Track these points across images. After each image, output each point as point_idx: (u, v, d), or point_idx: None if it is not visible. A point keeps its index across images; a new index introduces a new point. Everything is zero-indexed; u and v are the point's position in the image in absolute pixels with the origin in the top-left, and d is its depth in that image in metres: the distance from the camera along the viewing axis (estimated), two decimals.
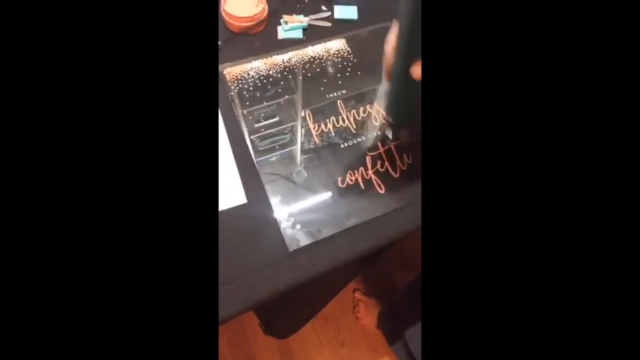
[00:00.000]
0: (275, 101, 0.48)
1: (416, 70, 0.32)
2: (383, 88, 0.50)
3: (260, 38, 0.52)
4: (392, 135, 0.46)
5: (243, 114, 0.47)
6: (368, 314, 0.90)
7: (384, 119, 0.48)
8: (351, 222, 0.41)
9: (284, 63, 0.51)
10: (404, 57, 0.33)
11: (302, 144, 0.46)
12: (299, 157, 0.45)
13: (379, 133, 0.47)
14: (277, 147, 0.45)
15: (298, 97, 0.49)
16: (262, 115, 0.47)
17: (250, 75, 0.49)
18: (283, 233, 0.40)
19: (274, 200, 0.42)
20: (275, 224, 0.41)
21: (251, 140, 0.45)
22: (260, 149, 0.45)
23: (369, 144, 0.46)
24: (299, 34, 0.53)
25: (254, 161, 0.44)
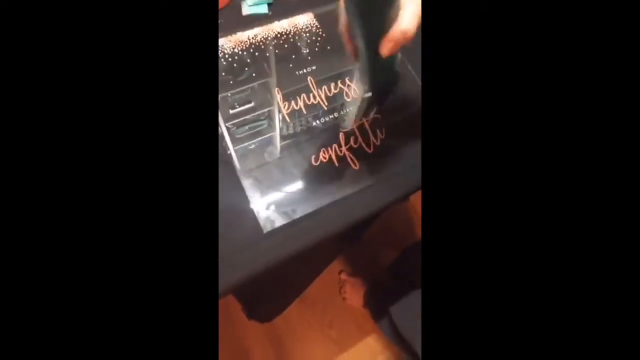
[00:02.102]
0: (249, 85, 0.46)
1: (386, 46, 0.30)
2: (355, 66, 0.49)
3: (223, 14, 0.50)
4: (370, 109, 0.44)
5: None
6: (354, 294, 0.91)
7: (356, 94, 0.47)
8: (326, 200, 0.40)
9: (250, 40, 0.49)
10: (364, 33, 0.31)
11: (280, 129, 0.44)
12: (278, 143, 0.43)
13: (352, 109, 0.46)
14: (248, 135, 0.43)
15: (273, 81, 0.47)
16: (236, 101, 0.45)
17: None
18: (257, 215, 0.39)
19: (246, 183, 0.40)
20: (248, 206, 0.39)
21: (227, 128, 0.43)
22: (237, 136, 0.43)
23: (342, 120, 0.45)
24: (264, 9, 0.50)
25: (231, 149, 0.42)
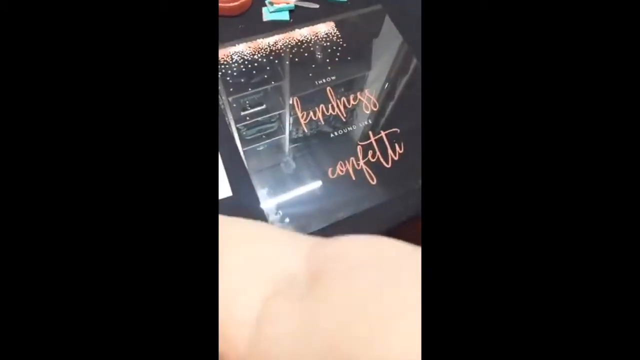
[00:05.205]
0: (262, 88, 0.46)
1: None
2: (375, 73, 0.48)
3: (244, 20, 0.49)
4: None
5: (228, 101, 0.44)
6: None
7: (375, 107, 0.46)
8: (342, 215, 0.40)
9: (270, 47, 0.48)
10: None
11: (290, 132, 0.44)
12: (287, 146, 0.43)
13: (370, 121, 0.45)
14: (264, 136, 0.43)
15: (285, 84, 0.46)
16: (248, 102, 0.45)
17: (233, 60, 0.47)
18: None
19: (261, 193, 0.40)
20: (262, 217, 0.39)
21: (237, 129, 0.43)
22: (247, 138, 0.42)
23: (360, 133, 0.45)
24: (285, 16, 0.50)
25: (240, 151, 0.42)
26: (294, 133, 0.44)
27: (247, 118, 0.44)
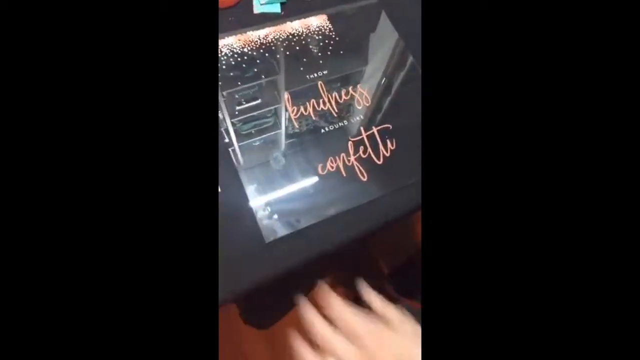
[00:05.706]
0: (255, 82, 0.45)
1: None
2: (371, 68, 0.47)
3: (234, 12, 0.48)
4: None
5: (222, 95, 0.43)
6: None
7: (368, 103, 0.45)
8: (332, 211, 0.39)
9: (260, 40, 0.47)
10: None
11: (286, 127, 0.43)
12: (283, 141, 0.42)
13: (362, 117, 0.45)
14: (253, 131, 0.42)
15: (281, 78, 0.46)
16: (242, 97, 0.44)
17: (223, 53, 0.46)
18: (259, 223, 0.38)
19: (250, 189, 0.39)
20: (250, 213, 0.38)
21: (232, 124, 0.42)
22: (243, 133, 0.42)
23: (352, 128, 0.44)
24: (276, 9, 0.49)
25: (235, 146, 0.41)
26: (290, 128, 0.43)
27: (237, 113, 0.43)
